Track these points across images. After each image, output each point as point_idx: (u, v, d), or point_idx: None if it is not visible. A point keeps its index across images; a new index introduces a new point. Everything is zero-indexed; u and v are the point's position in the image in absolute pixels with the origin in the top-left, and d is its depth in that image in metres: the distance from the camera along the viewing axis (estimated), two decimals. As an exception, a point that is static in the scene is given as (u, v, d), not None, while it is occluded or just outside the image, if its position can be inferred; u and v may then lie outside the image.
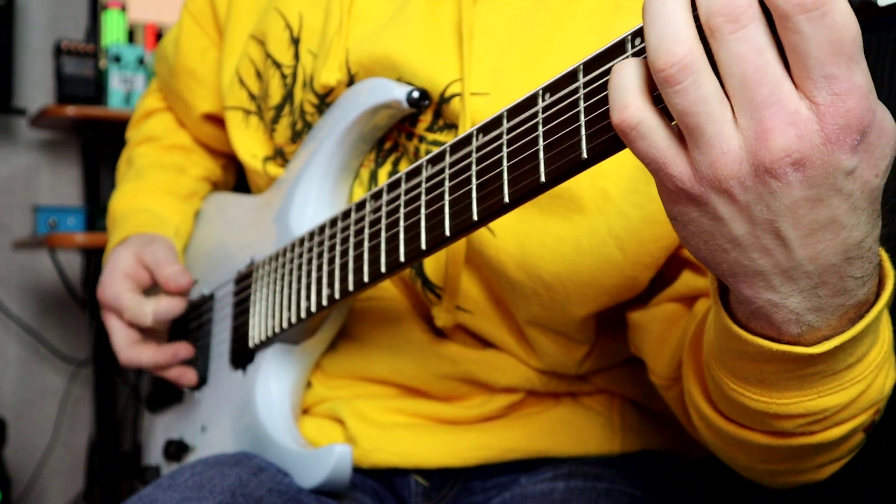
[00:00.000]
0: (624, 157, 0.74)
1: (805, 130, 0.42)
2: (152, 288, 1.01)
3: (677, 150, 0.46)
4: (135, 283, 0.99)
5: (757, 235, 0.46)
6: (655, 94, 0.46)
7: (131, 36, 2.62)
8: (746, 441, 0.65)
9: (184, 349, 0.99)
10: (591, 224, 0.76)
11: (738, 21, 0.42)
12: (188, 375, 1.00)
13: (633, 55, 0.49)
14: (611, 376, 0.91)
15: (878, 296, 0.53)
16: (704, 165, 0.45)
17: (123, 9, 2.59)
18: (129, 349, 0.99)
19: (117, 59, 2.47)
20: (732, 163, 0.44)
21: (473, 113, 0.78)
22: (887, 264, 0.54)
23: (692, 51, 0.43)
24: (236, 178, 1.25)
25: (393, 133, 0.87)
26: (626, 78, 0.47)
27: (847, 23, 0.40)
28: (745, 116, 0.43)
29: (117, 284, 0.98)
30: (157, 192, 1.10)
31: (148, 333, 1.02)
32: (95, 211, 2.46)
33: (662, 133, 0.46)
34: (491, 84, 0.79)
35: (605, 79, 0.51)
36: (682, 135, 0.46)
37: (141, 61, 2.49)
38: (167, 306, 0.96)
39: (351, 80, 0.87)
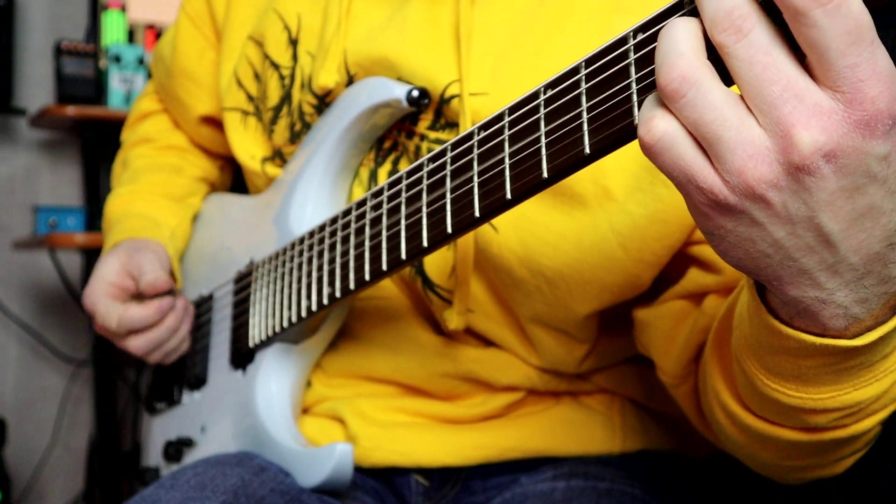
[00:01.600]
0: (628, 157, 0.74)
1: (830, 121, 0.42)
2: (140, 295, 1.00)
3: (704, 161, 0.45)
4: (119, 290, 0.98)
5: (798, 234, 0.46)
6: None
7: (131, 36, 2.62)
8: (775, 438, 0.64)
9: (166, 301, 0.97)
10: (592, 221, 0.76)
11: (741, 31, 0.42)
12: (179, 304, 0.99)
13: (635, 48, 0.49)
14: (611, 375, 0.92)
15: None
16: (733, 174, 0.44)
17: (123, 9, 2.59)
18: (107, 304, 0.97)
19: (117, 59, 2.47)
20: (761, 165, 0.43)
21: (473, 113, 0.78)
22: None
23: (691, 63, 0.43)
24: (233, 179, 1.25)
25: (392, 132, 0.87)
26: (648, 98, 0.47)
27: (861, 10, 0.40)
28: (766, 117, 0.43)
29: (96, 290, 0.98)
30: (152, 194, 1.10)
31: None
32: (95, 211, 2.45)
33: (688, 145, 0.45)
34: (490, 84, 0.79)
35: (607, 73, 0.51)
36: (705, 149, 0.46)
37: (141, 61, 2.49)
38: (135, 314, 0.96)
39: (350, 82, 0.87)
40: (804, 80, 0.42)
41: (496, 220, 0.79)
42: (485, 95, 0.78)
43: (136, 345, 0.98)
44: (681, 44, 0.44)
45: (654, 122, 0.46)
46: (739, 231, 0.47)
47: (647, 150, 0.47)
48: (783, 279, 0.49)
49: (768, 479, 0.75)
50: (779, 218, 0.45)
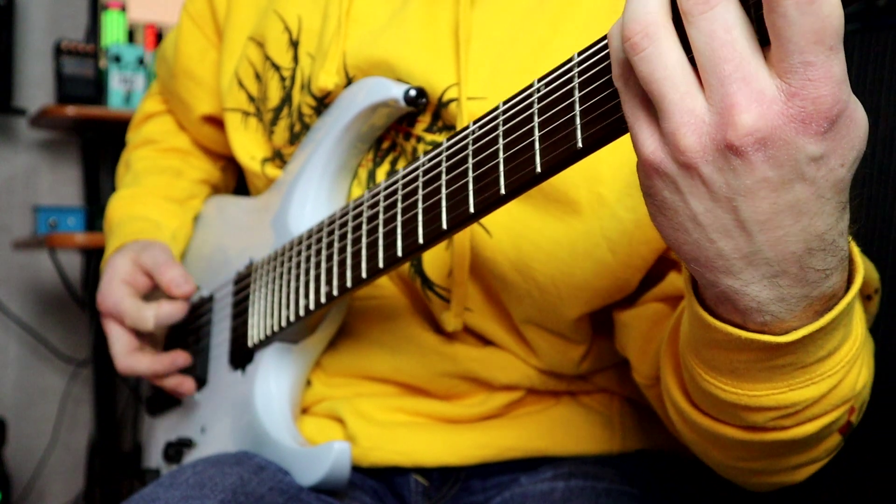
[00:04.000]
0: (621, 162, 0.75)
1: (769, 110, 0.43)
2: (152, 293, 1.01)
3: (647, 117, 0.47)
4: (134, 288, 0.99)
5: (717, 215, 0.47)
6: None
7: (131, 36, 2.63)
8: (720, 435, 0.64)
9: (181, 357, 0.99)
10: (586, 227, 0.76)
11: (708, 2, 0.43)
12: (187, 384, 0.99)
13: None
14: (610, 375, 0.92)
15: (847, 290, 0.54)
16: (668, 135, 0.46)
17: (123, 9, 2.59)
18: (128, 357, 0.99)
19: (117, 59, 2.47)
20: (693, 134, 0.45)
21: (471, 116, 0.78)
22: (858, 259, 0.55)
23: (655, 21, 0.45)
24: (236, 180, 1.25)
25: (391, 133, 0.87)
26: (613, 41, 0.49)
27: (832, 12, 0.41)
28: (713, 92, 0.44)
29: (117, 291, 0.98)
30: (153, 197, 1.10)
31: (145, 340, 1.02)
32: (95, 211, 2.46)
33: (635, 99, 0.48)
34: (488, 88, 0.79)
35: (600, 68, 0.52)
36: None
37: (141, 61, 2.49)
38: (169, 311, 0.96)
39: (348, 84, 0.87)
40: (756, 64, 0.43)
41: (490, 225, 0.79)
42: (483, 99, 0.78)
43: (155, 362, 0.98)
44: (648, 5, 0.46)
45: (616, 70, 0.48)
46: (664, 196, 0.48)
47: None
48: (699, 260, 0.50)
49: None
50: (700, 191, 0.46)
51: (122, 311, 0.97)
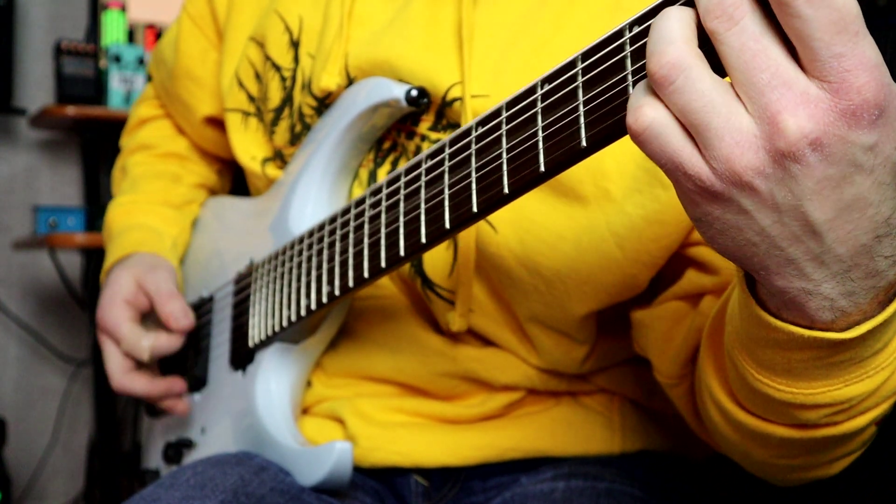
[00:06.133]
0: (627, 158, 0.75)
1: (817, 109, 0.42)
2: (151, 314, 1.01)
3: (692, 149, 0.46)
4: (134, 309, 0.99)
5: (784, 223, 0.46)
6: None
7: (131, 36, 2.63)
8: (767, 434, 0.64)
9: (178, 385, 0.99)
10: (591, 221, 0.76)
11: (733, 18, 0.43)
12: (180, 407, 1.00)
13: (631, 41, 0.50)
14: (611, 376, 0.92)
15: None
16: (720, 161, 0.44)
17: (123, 9, 2.59)
18: (123, 377, 0.99)
19: (117, 59, 2.47)
20: (748, 152, 0.44)
21: (474, 115, 0.78)
22: None
23: (682, 50, 0.44)
24: (232, 184, 1.25)
25: (392, 133, 0.87)
26: (638, 85, 0.47)
27: (847, 1, 0.41)
28: (754, 104, 0.43)
29: (118, 311, 0.98)
30: (152, 203, 1.10)
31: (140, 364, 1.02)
32: (95, 211, 2.46)
33: (676, 133, 0.46)
34: (491, 86, 0.79)
35: (604, 66, 0.52)
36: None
37: (141, 61, 2.50)
38: (165, 344, 0.96)
39: (350, 84, 0.87)
40: (793, 68, 0.43)
41: (495, 221, 0.79)
42: (486, 97, 0.78)
43: (145, 385, 0.99)
44: (672, 31, 0.44)
45: (643, 110, 0.46)
46: (727, 218, 0.47)
47: (636, 138, 0.47)
48: (770, 269, 0.49)
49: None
50: (765, 206, 0.45)
51: (120, 336, 0.97)
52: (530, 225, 0.78)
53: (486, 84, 0.79)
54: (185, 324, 0.96)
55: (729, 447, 0.73)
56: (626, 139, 0.53)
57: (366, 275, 0.76)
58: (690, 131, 0.45)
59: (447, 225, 0.66)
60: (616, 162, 0.75)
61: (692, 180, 0.46)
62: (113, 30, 2.57)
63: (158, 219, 1.09)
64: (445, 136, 0.82)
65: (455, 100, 0.80)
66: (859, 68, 0.41)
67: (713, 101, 0.44)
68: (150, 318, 1.01)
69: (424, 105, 0.82)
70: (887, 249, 0.48)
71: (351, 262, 0.77)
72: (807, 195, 0.44)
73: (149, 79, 1.31)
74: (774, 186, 0.44)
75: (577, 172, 0.75)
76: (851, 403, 0.58)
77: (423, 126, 0.84)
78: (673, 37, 0.44)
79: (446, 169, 0.67)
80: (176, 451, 1.00)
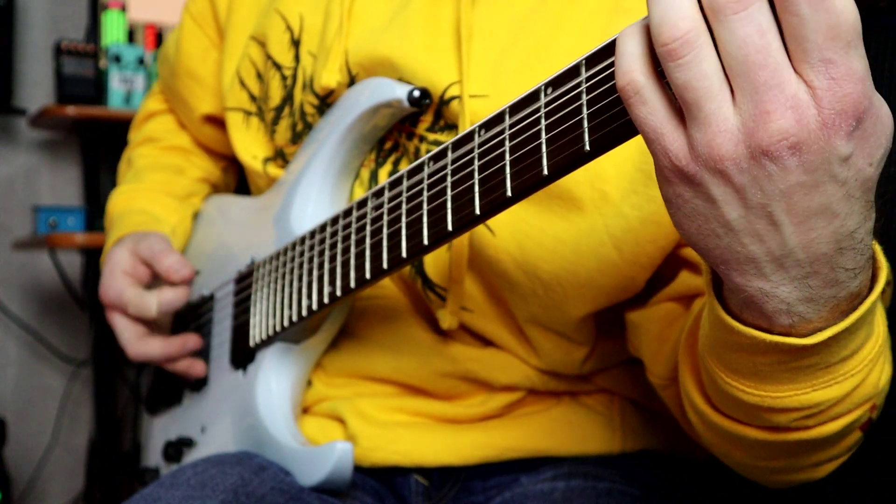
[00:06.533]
0: (624, 159, 0.75)
1: (803, 114, 0.42)
2: (153, 284, 1.01)
3: (676, 124, 0.46)
4: (134, 279, 0.99)
5: (750, 220, 0.46)
6: (660, 69, 0.46)
7: (131, 36, 2.62)
8: (741, 436, 0.64)
9: (192, 340, 0.99)
10: (589, 225, 0.77)
11: (741, 1, 0.42)
12: (197, 367, 1.00)
13: None
14: (611, 376, 0.92)
15: (871, 289, 0.53)
16: (701, 144, 0.45)
17: (123, 9, 2.59)
18: (138, 343, 0.99)
19: (117, 59, 2.47)
20: (729, 143, 0.44)
21: (472, 115, 0.78)
22: (880, 257, 0.54)
23: (695, 26, 0.43)
24: (237, 181, 1.25)
25: (393, 133, 0.87)
26: (631, 45, 0.47)
27: (846, 8, 0.41)
28: (745, 98, 0.43)
29: (118, 282, 0.99)
30: (154, 192, 1.11)
31: (152, 329, 1.02)
32: (95, 211, 2.45)
33: (664, 104, 0.46)
34: (490, 86, 0.79)
35: (608, 72, 0.52)
36: (682, 112, 0.46)
37: (141, 61, 2.49)
38: (171, 296, 0.97)
39: (351, 82, 0.87)
40: (788, 70, 0.43)
41: (493, 224, 0.79)
42: (485, 97, 0.78)
43: (162, 346, 0.99)
44: (684, 7, 0.44)
45: (634, 75, 0.46)
46: (695, 203, 0.47)
47: (625, 99, 0.47)
48: (729, 263, 0.49)
49: (768, 480, 0.75)
50: (734, 198, 0.46)
51: (125, 301, 0.98)
52: (528, 229, 0.78)
53: (485, 84, 0.79)
54: (186, 272, 0.96)
55: (710, 448, 0.74)
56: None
57: (367, 276, 0.76)
58: (682, 105, 0.45)
59: (450, 227, 0.66)
60: (613, 164, 0.75)
61: (669, 156, 0.46)
62: (113, 30, 2.57)
63: (159, 206, 1.09)
64: (443, 137, 0.82)
65: (452, 99, 0.80)
66: (846, 78, 0.42)
67: (713, 85, 0.44)
68: (152, 287, 1.01)
69: (426, 106, 0.82)
70: (849, 262, 0.48)
71: (353, 262, 0.77)
72: (776, 196, 0.45)
73: (151, 77, 1.32)
74: (747, 182, 0.45)
75: (575, 175, 0.75)
76: (821, 408, 0.58)
77: (422, 127, 0.84)
78: (686, 10, 0.43)
79: (449, 171, 0.67)
80: (176, 449, 1.00)
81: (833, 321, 0.52)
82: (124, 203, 1.10)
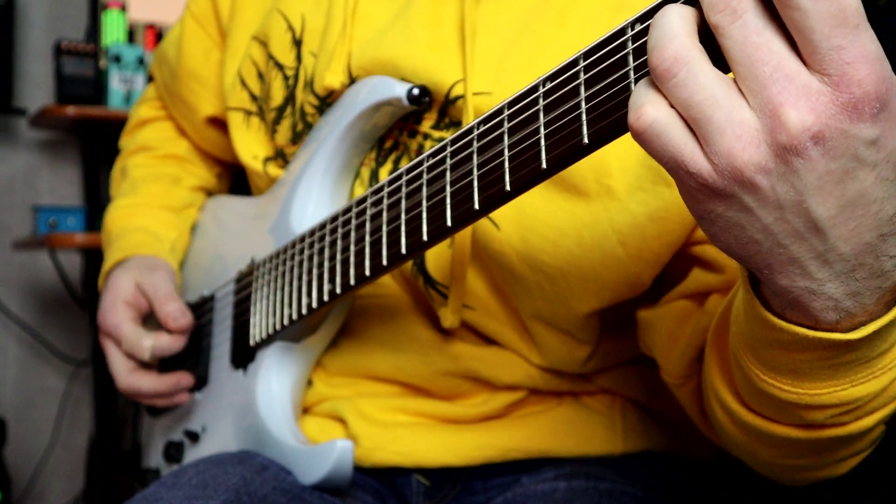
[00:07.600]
0: (629, 155, 0.75)
1: (818, 102, 0.42)
2: (152, 315, 1.01)
3: (694, 146, 0.45)
4: (135, 310, 0.99)
5: (787, 220, 0.46)
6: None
7: (131, 36, 2.62)
8: (772, 434, 0.64)
9: (185, 379, 0.99)
10: (593, 218, 0.76)
11: (736, 12, 0.43)
12: (184, 399, 1.00)
13: (633, 38, 0.50)
14: (613, 376, 0.92)
15: None
16: (721, 156, 0.44)
17: (123, 9, 2.59)
18: (129, 376, 0.99)
19: (117, 59, 2.47)
20: (749, 147, 0.43)
21: (476, 112, 0.78)
22: None
23: (683, 44, 0.44)
24: (230, 188, 1.25)
25: (394, 132, 0.87)
26: (640, 86, 0.47)
27: None
28: (756, 97, 0.43)
29: (118, 313, 0.98)
30: (151, 207, 1.10)
31: (144, 364, 1.02)
32: (95, 211, 2.46)
33: (678, 131, 0.46)
34: (494, 83, 0.79)
35: (606, 64, 0.52)
36: (696, 134, 0.45)
37: (141, 61, 2.49)
38: (166, 344, 0.96)
39: (353, 83, 0.87)
40: (795, 62, 0.42)
41: (497, 217, 0.79)
42: (488, 95, 0.78)
43: (151, 383, 0.99)
44: (674, 26, 0.44)
45: (644, 108, 0.46)
46: (729, 216, 0.47)
47: (638, 137, 0.47)
48: (773, 267, 0.48)
49: (769, 480, 0.75)
50: (767, 202, 0.45)
51: (121, 336, 0.97)
52: (532, 222, 0.78)
53: (489, 82, 0.79)
54: (183, 323, 0.96)
55: (735, 447, 0.73)
56: (629, 137, 0.53)
57: (367, 272, 0.76)
58: (692, 126, 0.45)
59: (449, 223, 0.66)
60: (619, 159, 0.75)
61: (694, 178, 0.46)
62: (113, 30, 2.57)
63: (157, 222, 1.09)
64: (448, 134, 0.82)
65: (458, 97, 0.80)
66: (860, 61, 0.41)
67: (715, 94, 0.44)
68: (151, 318, 1.01)
69: (426, 104, 0.82)
70: (893, 249, 0.47)
71: (352, 259, 0.77)
72: (809, 190, 0.44)
73: (149, 79, 1.31)
74: (776, 182, 0.44)
75: (580, 169, 0.75)
76: (858, 404, 0.58)
77: (426, 124, 0.84)
78: (674, 31, 0.44)
79: (448, 167, 0.67)
80: (177, 449, 1.00)
81: (877, 313, 0.51)
82: (122, 220, 1.10)
